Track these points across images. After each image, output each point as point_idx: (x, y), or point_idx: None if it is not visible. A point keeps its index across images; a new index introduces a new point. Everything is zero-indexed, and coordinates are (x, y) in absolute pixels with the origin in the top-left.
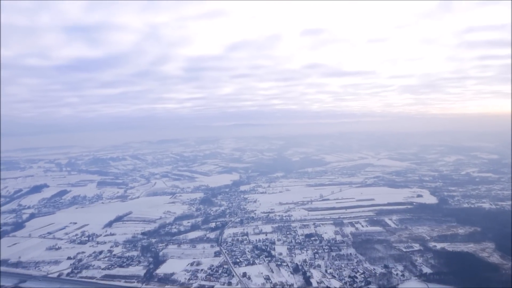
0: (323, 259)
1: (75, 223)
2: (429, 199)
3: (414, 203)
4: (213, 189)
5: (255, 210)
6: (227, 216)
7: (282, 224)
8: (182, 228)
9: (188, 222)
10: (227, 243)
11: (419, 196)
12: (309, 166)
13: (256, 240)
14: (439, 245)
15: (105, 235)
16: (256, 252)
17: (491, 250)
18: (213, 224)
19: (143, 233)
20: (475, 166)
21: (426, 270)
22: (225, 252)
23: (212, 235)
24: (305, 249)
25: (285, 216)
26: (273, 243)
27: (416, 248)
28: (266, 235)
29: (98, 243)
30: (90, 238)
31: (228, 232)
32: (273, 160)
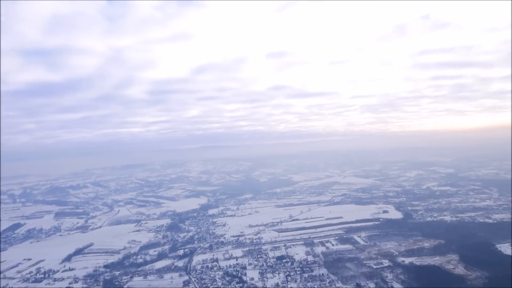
0: (296, 281)
1: (30, 259)
2: (395, 214)
3: (381, 219)
4: (180, 214)
5: (225, 234)
6: (195, 242)
7: (253, 248)
8: (148, 258)
9: (155, 251)
10: (196, 271)
11: (385, 211)
12: (278, 187)
13: (226, 266)
14: (407, 260)
15: (63, 271)
16: (227, 278)
17: (455, 261)
18: (181, 252)
19: (105, 266)
20: (435, 181)
21: (397, 286)
22: (195, 280)
23: (180, 263)
24: (277, 272)
25: (256, 239)
26: (244, 267)
27: (385, 264)
28: (236, 259)
29: (55, 280)
30: (46, 275)
31: (197, 259)
32: (241, 181)
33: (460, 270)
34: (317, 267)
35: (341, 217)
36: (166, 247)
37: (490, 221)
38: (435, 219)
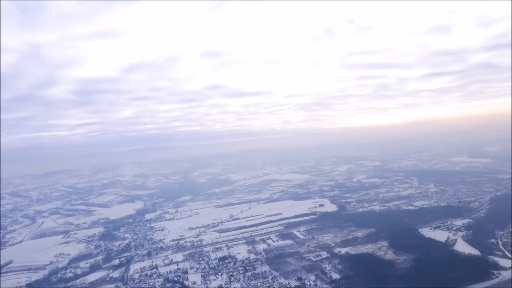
0: (239, 281)
1: None
2: (330, 207)
3: (318, 213)
4: (114, 222)
5: (164, 239)
6: (132, 249)
7: (194, 251)
8: (79, 271)
9: (87, 263)
10: (134, 281)
11: (321, 205)
12: (217, 187)
13: (167, 272)
14: (343, 250)
15: None
16: (168, 285)
17: (385, 248)
18: (116, 261)
19: (28, 285)
20: (364, 173)
21: (335, 276)
22: None
23: (116, 274)
24: (220, 273)
25: (196, 241)
26: (186, 272)
27: (324, 256)
28: (177, 264)
29: None
30: None
31: (134, 267)
32: (179, 183)
33: (390, 255)
34: (260, 265)
35: (280, 213)
36: (100, 257)
37: (413, 208)
38: (366, 210)
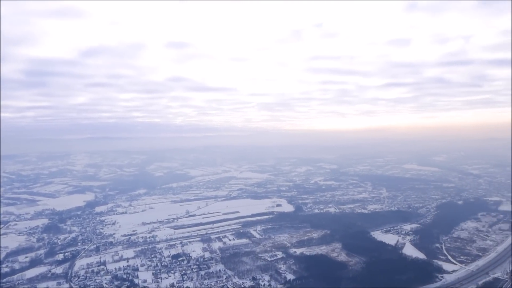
0: (192, 280)
1: None
2: (287, 207)
3: (275, 213)
4: (61, 213)
5: (114, 234)
6: (79, 244)
7: (146, 247)
8: (17, 266)
9: (26, 257)
10: (79, 277)
11: (279, 205)
12: (174, 181)
13: (115, 269)
14: (298, 251)
15: None
16: (116, 283)
17: (339, 249)
18: (60, 256)
19: None
20: (321, 176)
21: (290, 276)
22: None
23: (59, 270)
24: (172, 271)
25: (149, 238)
26: (136, 269)
27: (279, 256)
28: (127, 261)
29: None
30: None
31: (80, 263)
32: (134, 176)
33: (343, 257)
34: (214, 264)
35: (238, 212)
36: (42, 251)
37: (366, 211)
38: (322, 211)
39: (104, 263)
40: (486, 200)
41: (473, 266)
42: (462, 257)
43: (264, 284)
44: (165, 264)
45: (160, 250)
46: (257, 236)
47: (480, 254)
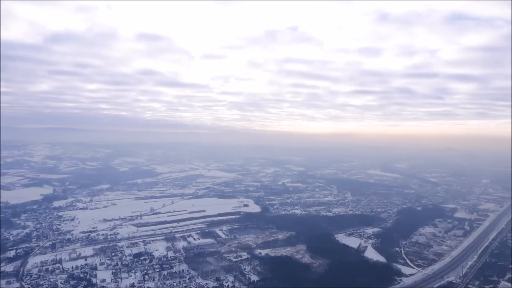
0: (154, 280)
1: None
2: (254, 208)
3: (242, 213)
4: (14, 207)
5: (73, 230)
6: (33, 240)
7: (107, 245)
8: None
9: None
10: (31, 276)
11: (246, 205)
12: (139, 177)
13: (72, 268)
14: (263, 252)
15: None
16: (72, 282)
17: (303, 251)
18: (12, 253)
19: None
20: (289, 177)
21: (254, 277)
22: None
23: (9, 268)
24: (133, 271)
25: (110, 235)
26: (95, 268)
27: (244, 257)
28: (85, 259)
29: None
30: None
31: (34, 261)
32: (98, 170)
33: (307, 259)
34: (178, 263)
35: (204, 211)
36: None
37: (331, 214)
38: (288, 213)
39: (60, 261)
40: (443, 207)
41: (429, 270)
42: (419, 261)
43: (228, 285)
44: (126, 263)
45: (121, 249)
46: (223, 236)
47: (436, 258)
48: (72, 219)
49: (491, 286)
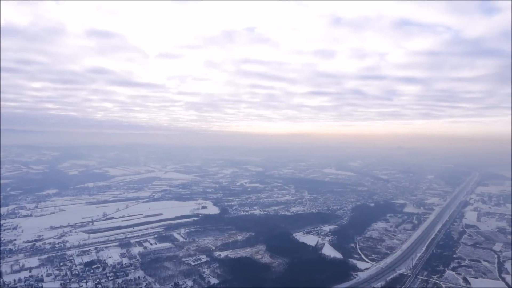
0: None
1: None
2: (213, 209)
3: (200, 215)
4: None
5: (15, 240)
6: None
7: (54, 254)
8: None
9: None
10: None
11: (204, 207)
12: (91, 181)
13: (14, 281)
14: (223, 254)
15: None
16: None
17: (263, 251)
18: None
19: None
20: (247, 178)
21: (214, 280)
22: None
23: None
24: (84, 281)
25: (59, 243)
26: (41, 280)
27: (203, 260)
28: (30, 271)
29: None
30: None
31: None
32: (44, 174)
33: (266, 259)
34: (133, 270)
35: (161, 214)
36: None
37: (289, 213)
38: (247, 213)
39: (0, 275)
40: (393, 202)
41: (382, 264)
42: (373, 255)
43: None
44: (76, 272)
45: (71, 258)
46: (181, 239)
47: (388, 252)
48: (15, 228)
49: (438, 275)
